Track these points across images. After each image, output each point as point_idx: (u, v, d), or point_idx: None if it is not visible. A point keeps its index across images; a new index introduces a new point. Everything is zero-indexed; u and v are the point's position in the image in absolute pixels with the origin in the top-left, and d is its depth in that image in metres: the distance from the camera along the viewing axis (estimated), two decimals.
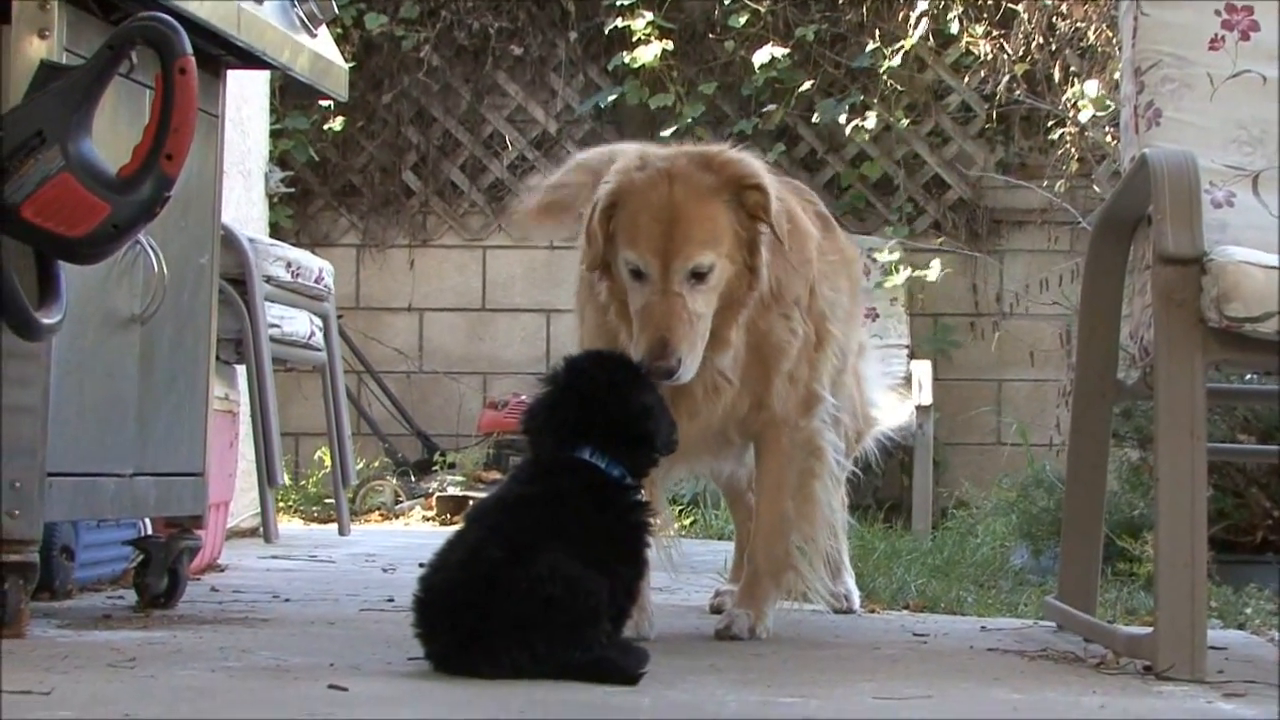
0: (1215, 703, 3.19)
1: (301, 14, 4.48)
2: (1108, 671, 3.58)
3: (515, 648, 3.12)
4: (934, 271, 9.39)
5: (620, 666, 3.19)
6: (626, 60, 9.88)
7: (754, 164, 3.89)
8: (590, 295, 4.03)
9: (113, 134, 3.69)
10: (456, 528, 3.44)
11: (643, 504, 3.49)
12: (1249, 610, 4.94)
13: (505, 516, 3.32)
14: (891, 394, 5.10)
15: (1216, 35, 4.03)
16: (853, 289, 4.59)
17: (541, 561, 3.17)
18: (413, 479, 9.64)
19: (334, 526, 6.80)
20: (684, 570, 4.65)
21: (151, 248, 4.01)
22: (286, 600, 4.74)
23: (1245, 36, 4.03)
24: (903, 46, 9.59)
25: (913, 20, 9.61)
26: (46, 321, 3.48)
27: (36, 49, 3.56)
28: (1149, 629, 3.64)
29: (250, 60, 4.36)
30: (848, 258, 4.55)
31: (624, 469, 3.44)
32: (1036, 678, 3.50)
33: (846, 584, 4.76)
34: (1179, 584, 3.47)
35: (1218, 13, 4.04)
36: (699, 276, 3.73)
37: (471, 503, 9.03)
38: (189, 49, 3.45)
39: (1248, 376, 5.30)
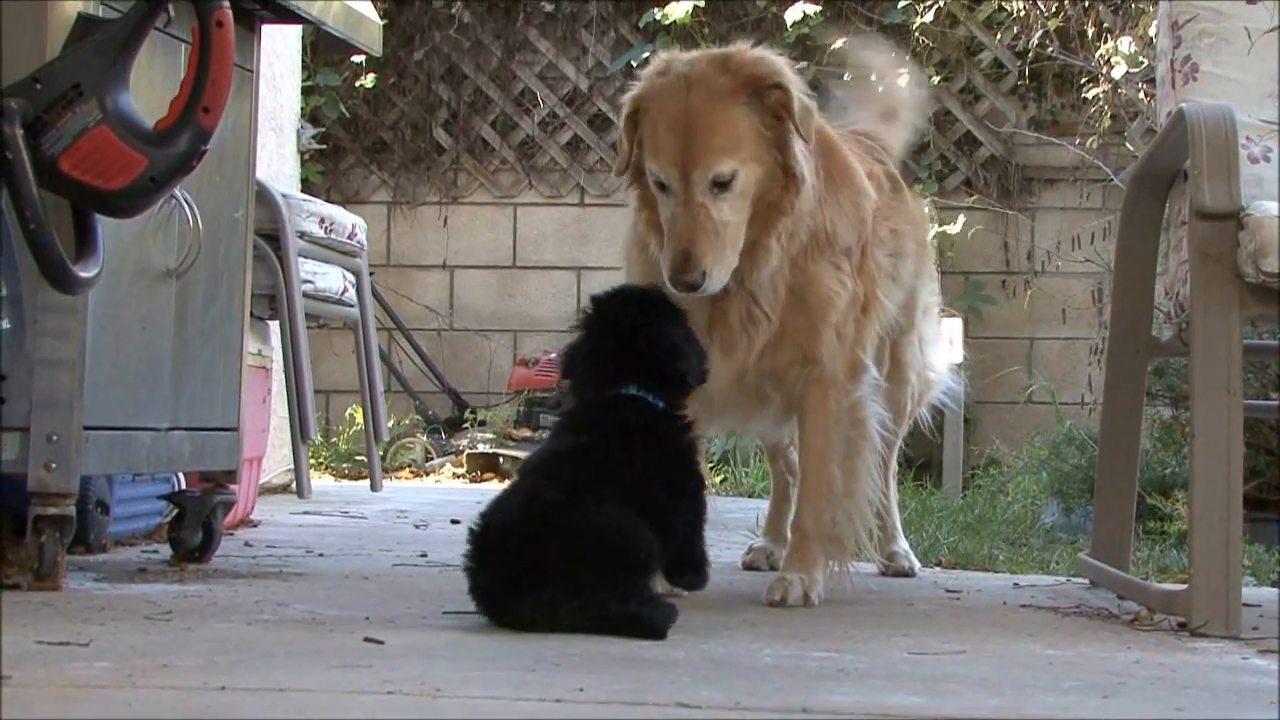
0: (1250, 659, 3.19)
1: None
2: (1142, 628, 3.58)
3: (561, 589, 3.14)
4: (957, 226, 9.36)
5: (649, 622, 3.20)
6: (658, 16, 9.86)
7: (775, 62, 3.80)
8: (635, 237, 3.98)
9: (149, 87, 3.70)
10: (512, 481, 3.47)
11: (690, 430, 3.53)
12: None
13: (562, 464, 3.35)
14: (947, 357, 5.01)
15: None
16: (920, 251, 4.54)
17: (597, 510, 3.20)
18: (443, 436, 9.66)
19: (365, 483, 6.81)
20: (716, 527, 4.64)
21: (187, 202, 4.01)
22: (320, 555, 4.75)
23: None
24: (935, 4, 9.55)
25: None
26: (83, 275, 3.49)
27: (74, 3, 3.56)
28: (1183, 585, 3.64)
29: (285, 14, 4.36)
30: (915, 219, 4.51)
31: (664, 400, 3.49)
32: (1071, 633, 3.50)
33: (902, 546, 4.70)
34: (1214, 540, 3.47)
35: None
36: (722, 185, 3.67)
37: (503, 459, 9.12)
38: (226, 2, 3.45)
39: None
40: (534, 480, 3.33)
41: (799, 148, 3.77)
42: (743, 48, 3.83)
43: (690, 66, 3.76)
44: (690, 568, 3.53)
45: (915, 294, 4.55)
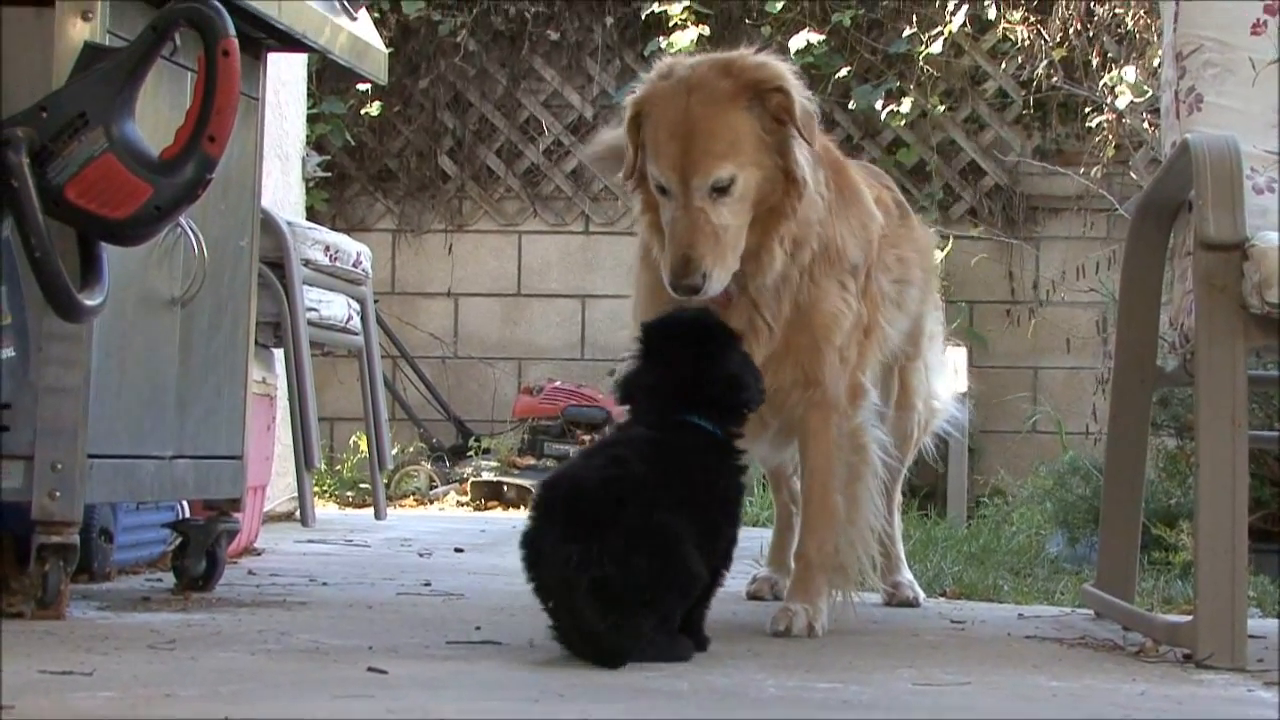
0: (1256, 691, 3.18)
1: None
2: (1147, 659, 3.57)
3: (614, 557, 3.14)
4: (951, 251, 9.35)
5: (673, 655, 3.22)
6: (663, 45, 9.87)
7: (776, 66, 3.80)
8: (642, 251, 3.97)
9: (155, 116, 3.71)
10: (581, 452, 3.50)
11: (744, 468, 3.55)
12: None
13: (636, 449, 3.35)
14: (952, 385, 4.99)
15: (1259, 20, 4.01)
16: (926, 279, 4.54)
17: (673, 518, 3.24)
18: (447, 464, 9.65)
19: (369, 511, 6.80)
20: None
21: (192, 230, 4.02)
22: (324, 584, 4.75)
23: None
24: (941, 33, 9.57)
25: (950, 7, 9.58)
26: (89, 303, 3.49)
27: (80, 31, 3.57)
28: (1188, 617, 3.63)
29: (291, 43, 4.37)
30: (921, 247, 4.50)
31: (722, 427, 3.50)
32: (1076, 665, 3.49)
33: (906, 576, 4.69)
34: (1219, 571, 3.46)
35: None
36: (721, 189, 3.67)
37: (507, 488, 9.11)
38: (232, 31, 3.46)
39: None
40: (618, 452, 3.33)
41: (801, 152, 3.77)
42: (745, 52, 3.83)
43: (692, 70, 3.76)
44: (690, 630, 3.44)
45: (921, 321, 4.55)
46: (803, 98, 3.78)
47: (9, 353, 3.55)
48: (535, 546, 3.24)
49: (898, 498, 4.73)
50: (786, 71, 3.80)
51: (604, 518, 3.17)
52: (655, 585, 3.19)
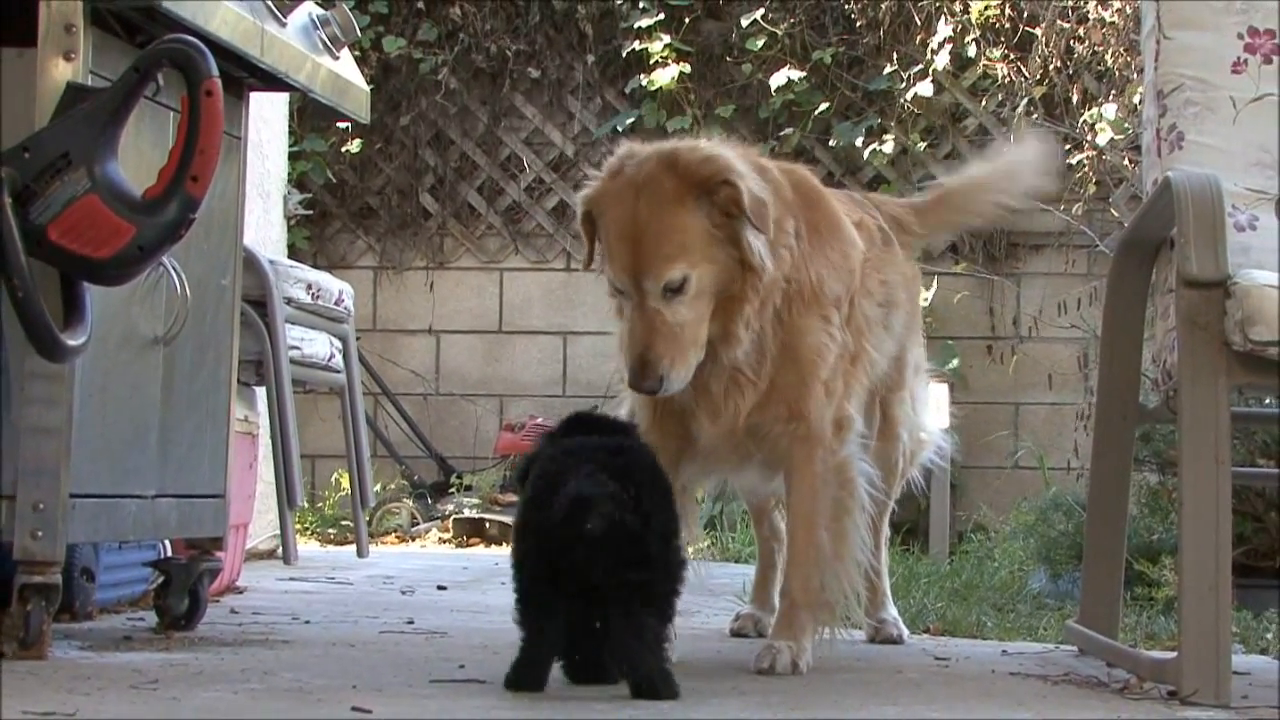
0: None
1: (324, 36, 4.48)
2: (1131, 696, 3.57)
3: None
4: (930, 293, 9.37)
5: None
6: (644, 83, 9.90)
7: (720, 158, 3.76)
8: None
9: (138, 156, 3.70)
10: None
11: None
12: (1270, 636, 4.93)
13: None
14: (938, 418, 4.97)
15: (1239, 59, 4.03)
16: (911, 306, 4.53)
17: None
18: (429, 501, 9.64)
19: (350, 548, 6.79)
20: (703, 593, 4.64)
21: (174, 269, 4.01)
22: (306, 622, 4.74)
23: (1268, 60, 4.03)
24: (923, 69, 9.59)
25: (932, 45, 9.61)
26: (71, 343, 3.48)
27: (63, 71, 3.57)
28: (1173, 653, 3.63)
29: (273, 82, 4.37)
30: (905, 272, 4.48)
31: None
32: (1060, 702, 3.49)
33: (891, 614, 4.67)
34: (1203, 608, 3.46)
35: (1240, 36, 4.04)
36: (674, 289, 3.67)
37: (489, 524, 9.09)
38: (215, 71, 3.46)
39: (1266, 400, 5.30)
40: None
41: (755, 239, 3.74)
42: (690, 145, 3.81)
43: (639, 168, 3.74)
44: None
45: (906, 348, 4.53)
46: (751, 186, 3.74)
47: None
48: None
49: (885, 532, 4.71)
50: (733, 161, 3.77)
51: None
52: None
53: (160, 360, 4.05)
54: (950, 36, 9.63)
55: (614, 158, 3.83)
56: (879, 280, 4.26)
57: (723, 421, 3.91)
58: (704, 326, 3.74)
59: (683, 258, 3.68)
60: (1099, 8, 9.45)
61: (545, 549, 3.25)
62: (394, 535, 9.35)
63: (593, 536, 3.15)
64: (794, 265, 3.88)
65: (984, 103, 9.77)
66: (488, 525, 9.22)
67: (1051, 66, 9.55)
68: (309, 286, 5.44)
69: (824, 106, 9.79)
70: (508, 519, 8.86)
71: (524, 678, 3.29)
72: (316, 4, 4.52)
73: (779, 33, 9.87)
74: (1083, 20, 9.51)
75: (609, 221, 3.75)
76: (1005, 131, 9.69)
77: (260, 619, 4.76)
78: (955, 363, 8.89)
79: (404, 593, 5.93)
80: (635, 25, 9.97)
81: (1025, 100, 9.57)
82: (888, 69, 9.72)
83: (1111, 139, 9.13)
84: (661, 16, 9.96)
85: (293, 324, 5.32)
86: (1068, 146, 9.48)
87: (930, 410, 4.89)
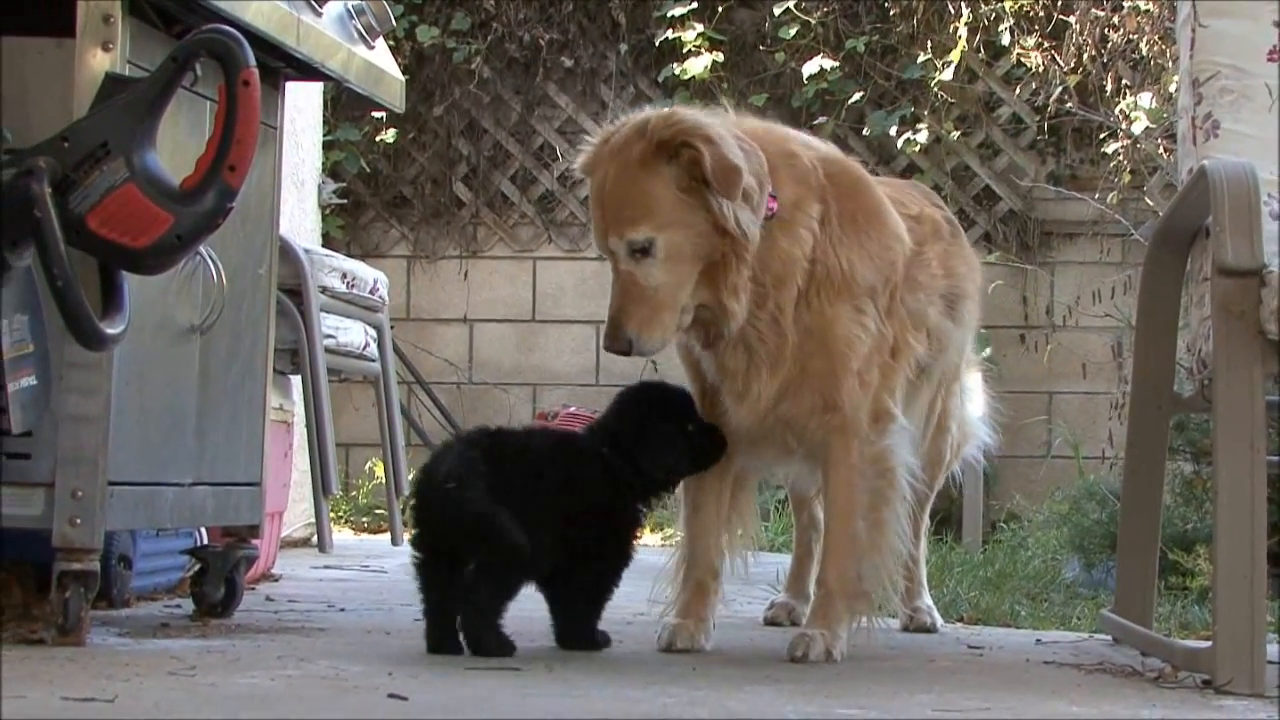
0: (1275, 717, 3.18)
1: (359, 26, 4.50)
2: (1166, 685, 3.57)
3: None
4: None
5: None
6: (677, 72, 9.89)
7: (687, 121, 3.74)
8: None
9: (175, 146, 3.72)
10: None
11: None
12: None
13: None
14: (982, 410, 4.95)
15: (1275, 47, 4.02)
16: (976, 296, 4.52)
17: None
18: None
19: (385, 537, 6.80)
20: (738, 581, 4.64)
21: (211, 258, 4.03)
22: (341, 610, 4.76)
23: None
24: (951, 61, 9.58)
25: (964, 33, 9.60)
26: (110, 331, 3.50)
27: (101, 62, 3.59)
28: (1207, 642, 3.63)
29: (309, 72, 4.38)
30: (972, 264, 4.49)
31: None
32: (1094, 691, 3.49)
33: (926, 602, 4.66)
34: (1239, 597, 3.46)
35: (1276, 24, 4.03)
36: (642, 251, 3.69)
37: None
38: (252, 61, 3.48)
39: None
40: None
41: (729, 205, 3.69)
42: (663, 111, 3.83)
43: (619, 134, 3.80)
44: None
45: (966, 341, 4.52)
46: (716, 150, 3.68)
47: (31, 381, 3.56)
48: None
49: (925, 522, 4.70)
50: (701, 123, 3.74)
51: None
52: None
53: (197, 349, 4.07)
54: (983, 24, 9.60)
55: (603, 129, 3.89)
56: (945, 270, 4.24)
57: (748, 402, 3.90)
58: (682, 291, 3.74)
59: (645, 220, 3.70)
60: None
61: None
62: None
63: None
64: (819, 248, 3.86)
65: (1017, 91, 9.75)
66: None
67: (1086, 55, 9.52)
68: (344, 275, 5.45)
69: (857, 95, 9.77)
70: None
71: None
72: None
73: (812, 21, 9.86)
74: (1117, 8, 9.48)
75: (591, 186, 3.83)
76: (1039, 120, 9.68)
77: (296, 606, 4.78)
78: (988, 351, 8.87)
79: None
80: (668, 14, 9.96)
81: (1059, 88, 9.54)
82: (921, 58, 9.70)
83: (1146, 127, 9.10)
84: (695, 5, 9.95)
85: (328, 313, 5.34)
86: (1102, 135, 9.46)
87: (977, 401, 4.88)
